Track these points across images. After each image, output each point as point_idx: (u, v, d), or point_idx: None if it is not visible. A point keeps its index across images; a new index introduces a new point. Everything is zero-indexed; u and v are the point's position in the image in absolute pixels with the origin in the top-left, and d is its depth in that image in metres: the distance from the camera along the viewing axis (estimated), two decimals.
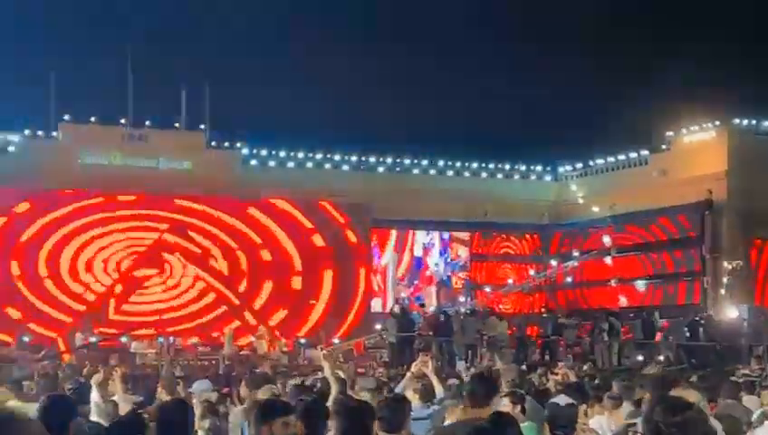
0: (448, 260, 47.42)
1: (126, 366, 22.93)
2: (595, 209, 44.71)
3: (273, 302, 40.08)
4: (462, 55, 45.91)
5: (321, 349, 21.56)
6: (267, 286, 40.31)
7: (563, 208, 47.88)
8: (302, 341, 37.80)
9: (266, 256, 40.56)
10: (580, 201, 46.25)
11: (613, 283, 43.54)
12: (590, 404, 12.59)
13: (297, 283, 40.71)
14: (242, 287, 40.31)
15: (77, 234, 38.74)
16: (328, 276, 40.94)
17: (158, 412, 7.98)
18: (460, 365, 29.65)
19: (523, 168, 48.52)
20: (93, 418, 11.10)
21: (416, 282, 46.80)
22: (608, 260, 43.99)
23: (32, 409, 10.24)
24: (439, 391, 12.97)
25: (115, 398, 12.89)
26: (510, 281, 46.29)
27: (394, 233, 45.52)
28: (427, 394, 12.66)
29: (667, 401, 5.91)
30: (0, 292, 37.16)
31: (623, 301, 42.55)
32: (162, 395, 13.21)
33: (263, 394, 11.83)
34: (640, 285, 43.08)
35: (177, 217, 39.72)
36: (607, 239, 43.69)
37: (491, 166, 47.52)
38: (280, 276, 40.56)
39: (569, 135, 43.27)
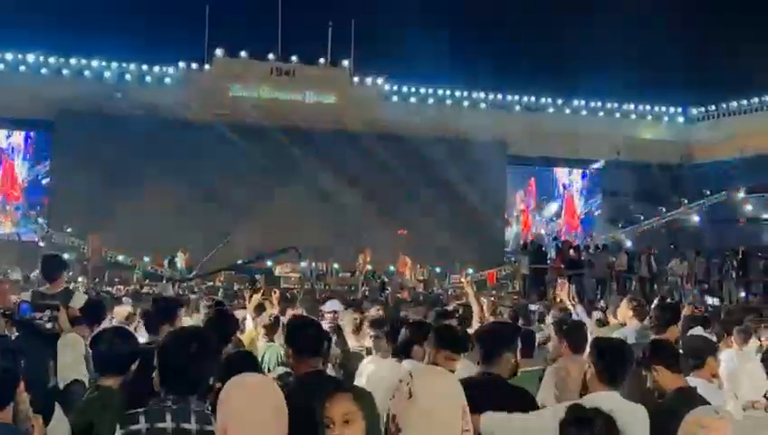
0: (583, 197, 48.65)
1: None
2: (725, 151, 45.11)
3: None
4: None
5: (466, 276, 22.74)
6: (403, 218, 40.70)
7: (694, 150, 48.40)
8: (438, 269, 39.29)
9: (402, 188, 41.13)
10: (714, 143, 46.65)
11: (743, 223, 43.87)
12: (720, 338, 12.49)
13: (437, 215, 40.92)
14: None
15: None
16: (463, 210, 41.46)
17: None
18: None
19: (656, 108, 49.05)
20: None
21: (554, 218, 48.09)
22: (738, 200, 44.48)
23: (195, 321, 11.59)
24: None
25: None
26: (641, 217, 46.99)
27: (529, 170, 46.82)
28: None
29: None
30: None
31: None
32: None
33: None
34: None
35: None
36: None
37: (624, 106, 48.18)
38: (416, 209, 41.60)
39: (701, 77, 43.06)
